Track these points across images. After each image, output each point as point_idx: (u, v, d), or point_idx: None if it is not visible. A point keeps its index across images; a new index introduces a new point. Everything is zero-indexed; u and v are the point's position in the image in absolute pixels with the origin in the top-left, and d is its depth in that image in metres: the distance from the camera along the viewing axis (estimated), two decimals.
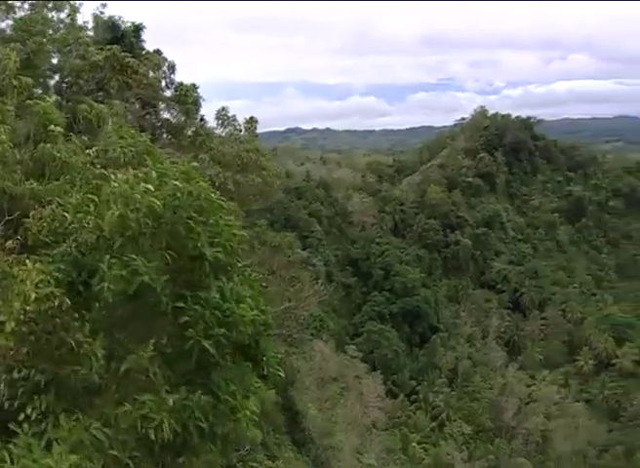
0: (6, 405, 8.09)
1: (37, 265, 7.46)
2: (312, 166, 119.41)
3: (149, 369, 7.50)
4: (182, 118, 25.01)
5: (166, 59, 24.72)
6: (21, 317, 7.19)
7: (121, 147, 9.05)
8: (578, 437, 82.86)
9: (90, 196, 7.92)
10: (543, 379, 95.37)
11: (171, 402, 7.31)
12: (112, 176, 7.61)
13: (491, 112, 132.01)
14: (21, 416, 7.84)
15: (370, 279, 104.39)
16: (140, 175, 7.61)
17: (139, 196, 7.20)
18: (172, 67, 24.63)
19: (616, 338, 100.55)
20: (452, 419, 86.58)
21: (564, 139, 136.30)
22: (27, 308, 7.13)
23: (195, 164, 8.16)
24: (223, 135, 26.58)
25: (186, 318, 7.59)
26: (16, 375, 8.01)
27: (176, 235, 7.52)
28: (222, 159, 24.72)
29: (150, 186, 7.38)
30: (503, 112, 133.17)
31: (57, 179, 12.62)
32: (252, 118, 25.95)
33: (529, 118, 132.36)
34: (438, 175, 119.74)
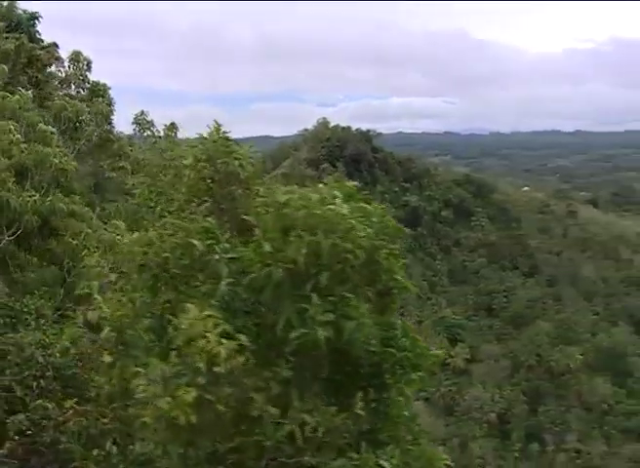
0: None
1: (204, 311, 5.80)
2: None
3: (345, 428, 6.17)
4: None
5: (81, 54, 21.90)
6: (202, 381, 5.52)
7: (236, 159, 7.49)
8: None
9: (259, 217, 6.39)
10: None
11: (386, 464, 6.06)
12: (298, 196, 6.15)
13: (332, 124, 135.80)
14: None
15: None
16: (323, 194, 6.26)
17: (353, 222, 5.90)
18: (88, 64, 21.86)
19: (450, 339, 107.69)
20: None
21: (399, 152, 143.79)
22: (217, 370, 5.47)
23: (355, 183, 6.91)
24: (137, 141, 24.29)
25: (386, 365, 6.40)
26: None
27: (374, 267, 6.29)
28: (143, 168, 22.42)
29: (346, 210, 6.10)
30: (343, 124, 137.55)
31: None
32: (172, 124, 23.92)
33: (368, 131, 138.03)
34: (282, 185, 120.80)
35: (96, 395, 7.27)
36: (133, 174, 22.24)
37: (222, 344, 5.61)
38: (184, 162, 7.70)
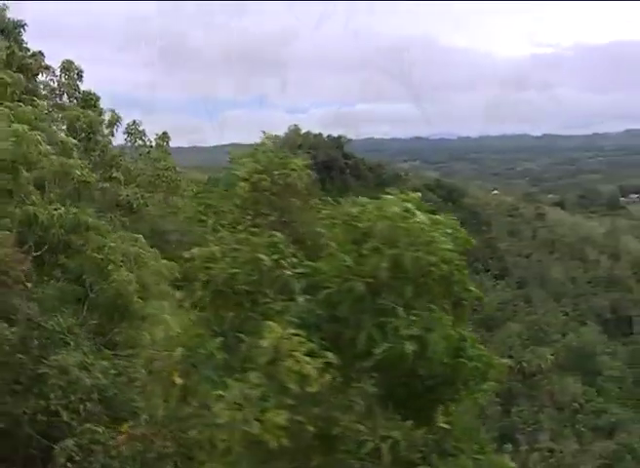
0: None
1: (286, 330, 5.64)
2: None
3: (422, 442, 6.09)
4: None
5: (72, 63, 21.40)
6: (291, 402, 5.34)
7: (293, 170, 7.36)
8: None
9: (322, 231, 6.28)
10: None
11: None
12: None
13: (303, 131, 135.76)
14: None
15: None
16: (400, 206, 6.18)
17: (435, 234, 5.82)
18: (79, 73, 21.35)
19: None
20: None
21: (369, 158, 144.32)
22: (309, 390, 5.29)
23: (418, 194, 6.83)
24: (127, 151, 23.85)
25: (459, 376, 6.35)
26: None
27: (451, 278, 6.23)
28: (137, 178, 22.03)
29: (427, 222, 6.02)
30: (314, 131, 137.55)
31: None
32: (165, 133, 23.55)
33: (339, 137, 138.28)
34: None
35: (150, 417, 7.04)
36: (125, 184, 21.89)
37: (310, 363, 5.47)
38: (238, 173, 7.52)
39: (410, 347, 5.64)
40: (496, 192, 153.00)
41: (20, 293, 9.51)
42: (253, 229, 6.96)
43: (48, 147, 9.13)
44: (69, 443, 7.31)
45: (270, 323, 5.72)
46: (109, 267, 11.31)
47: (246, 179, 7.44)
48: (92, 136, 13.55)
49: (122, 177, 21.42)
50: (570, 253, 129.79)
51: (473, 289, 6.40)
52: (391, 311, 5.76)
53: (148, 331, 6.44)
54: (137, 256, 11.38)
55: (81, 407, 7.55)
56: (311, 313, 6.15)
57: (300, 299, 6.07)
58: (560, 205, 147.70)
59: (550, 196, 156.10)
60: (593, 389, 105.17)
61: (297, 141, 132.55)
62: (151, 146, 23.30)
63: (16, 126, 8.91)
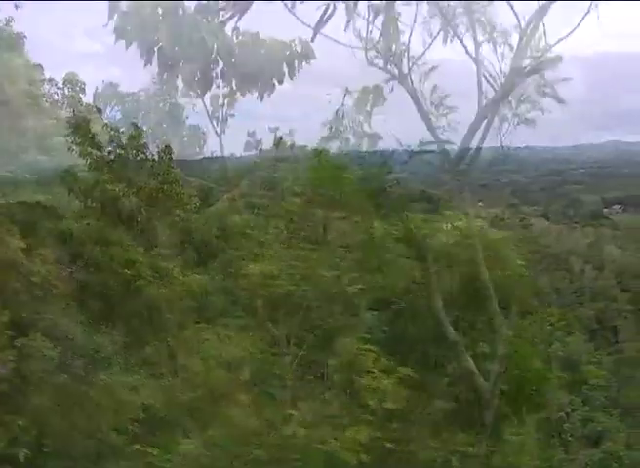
0: None
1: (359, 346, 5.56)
2: None
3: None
4: None
5: (76, 76, 21.23)
6: (367, 418, 5.27)
7: (342, 184, 7.31)
8: None
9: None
10: None
11: None
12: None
13: (290, 142, 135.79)
14: None
15: None
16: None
17: (507, 250, 5.81)
18: (81, 86, 21.19)
19: None
20: None
21: (355, 169, 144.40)
22: (388, 406, 5.23)
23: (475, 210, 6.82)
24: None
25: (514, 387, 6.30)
26: None
27: (520, 292, 6.20)
28: (139, 192, 21.73)
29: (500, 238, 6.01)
30: (301, 142, 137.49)
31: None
32: (167, 146, 23.34)
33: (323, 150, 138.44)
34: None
35: (207, 438, 6.91)
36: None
37: (387, 379, 5.40)
38: (284, 185, 7.47)
39: (493, 366, 5.59)
40: (481, 203, 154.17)
41: (62, 311, 9.33)
42: (307, 245, 6.90)
43: (91, 158, 8.97)
44: (121, 466, 7.15)
45: (345, 339, 5.65)
46: (138, 282, 11.12)
47: (297, 194, 7.38)
48: (112, 149, 13.35)
49: (125, 190, 21.16)
50: (555, 264, 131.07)
51: (537, 304, 6.39)
52: (465, 326, 5.72)
53: (207, 349, 6.34)
54: (166, 271, 11.19)
55: (130, 428, 7.41)
56: (378, 329, 6.09)
57: (367, 315, 6.02)
58: (545, 216, 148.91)
59: (535, 207, 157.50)
60: (579, 398, 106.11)
61: (282, 153, 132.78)
62: (154, 160, 23.12)
63: (58, 138, 8.75)
